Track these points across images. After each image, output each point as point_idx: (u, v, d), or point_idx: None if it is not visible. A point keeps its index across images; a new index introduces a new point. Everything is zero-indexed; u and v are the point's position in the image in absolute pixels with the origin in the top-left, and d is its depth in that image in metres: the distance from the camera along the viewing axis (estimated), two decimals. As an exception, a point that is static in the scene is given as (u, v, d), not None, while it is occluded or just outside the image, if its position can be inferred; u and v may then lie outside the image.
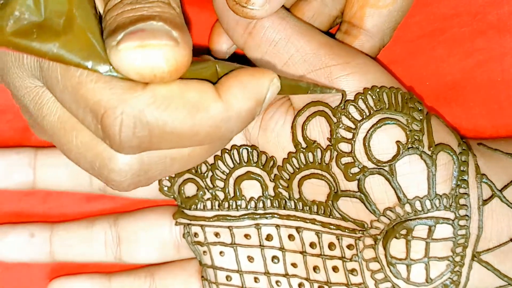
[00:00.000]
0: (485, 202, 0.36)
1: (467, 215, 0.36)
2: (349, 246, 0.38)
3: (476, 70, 0.42)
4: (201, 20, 0.43)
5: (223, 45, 0.41)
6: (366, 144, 0.35)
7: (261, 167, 0.39)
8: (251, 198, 0.39)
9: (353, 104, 0.35)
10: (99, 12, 0.31)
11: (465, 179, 0.36)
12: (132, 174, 0.32)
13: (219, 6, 0.37)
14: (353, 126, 0.35)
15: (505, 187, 0.37)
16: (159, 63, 0.27)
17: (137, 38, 0.27)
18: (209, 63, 0.31)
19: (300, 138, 0.37)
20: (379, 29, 0.38)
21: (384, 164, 0.35)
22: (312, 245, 0.39)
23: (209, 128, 0.29)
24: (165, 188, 0.41)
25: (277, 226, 0.39)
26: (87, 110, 0.29)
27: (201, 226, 0.40)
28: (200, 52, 0.43)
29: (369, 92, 0.35)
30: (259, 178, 0.39)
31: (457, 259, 0.36)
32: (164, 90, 0.28)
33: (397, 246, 0.37)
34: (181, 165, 0.33)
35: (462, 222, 0.36)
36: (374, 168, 0.36)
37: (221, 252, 0.40)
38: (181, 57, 0.27)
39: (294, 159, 0.37)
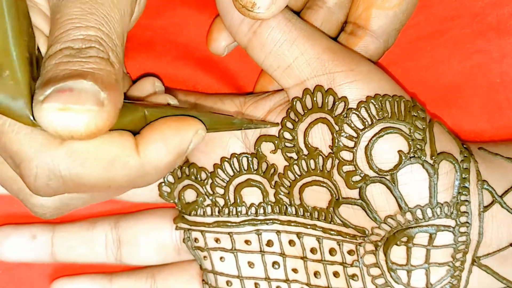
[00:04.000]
0: (486, 208, 0.36)
1: (468, 222, 0.35)
2: (350, 252, 0.37)
3: (475, 71, 0.41)
4: (201, 20, 0.42)
5: (222, 42, 0.40)
6: (368, 153, 0.34)
7: (262, 174, 0.38)
8: (252, 204, 0.38)
9: (355, 112, 0.34)
10: (39, 53, 0.31)
11: (466, 186, 0.35)
12: (53, 209, 0.33)
13: (222, 4, 0.35)
14: (355, 135, 0.34)
15: (506, 192, 0.36)
16: (78, 128, 0.27)
17: (61, 100, 0.27)
18: (138, 107, 0.31)
19: (302, 145, 0.36)
20: (385, 30, 0.38)
21: (385, 173, 0.34)
22: (312, 250, 0.38)
23: (123, 182, 0.30)
24: (165, 194, 0.40)
25: (278, 232, 0.38)
26: (7, 155, 0.30)
27: (201, 231, 0.39)
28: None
29: (372, 100, 0.34)
30: (260, 185, 0.38)
31: (457, 264, 0.36)
32: (81, 147, 0.29)
33: (397, 252, 0.36)
34: (101, 199, 0.34)
35: (462, 229, 0.35)
36: (375, 176, 0.35)
37: (221, 258, 0.40)
38: (102, 123, 0.27)
39: (295, 166, 0.36)
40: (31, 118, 0.28)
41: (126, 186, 0.31)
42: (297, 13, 0.40)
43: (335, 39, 0.39)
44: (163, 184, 0.40)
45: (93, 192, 0.32)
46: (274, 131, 0.37)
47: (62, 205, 0.33)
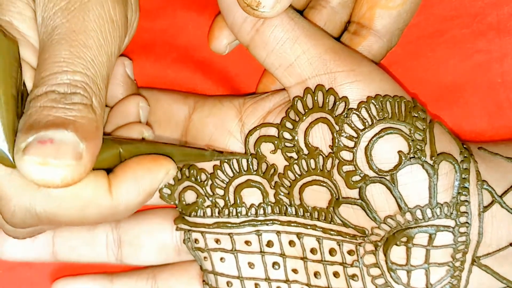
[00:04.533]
0: (486, 208, 0.35)
1: (468, 222, 0.35)
2: (350, 252, 0.37)
3: (475, 71, 0.41)
4: (201, 22, 0.42)
5: (223, 40, 0.39)
6: (368, 153, 0.34)
7: (261, 175, 0.38)
8: (252, 205, 0.38)
9: (356, 113, 0.34)
10: (24, 88, 0.32)
11: (466, 187, 0.35)
12: (27, 233, 0.35)
13: (225, 3, 0.35)
14: (355, 135, 0.34)
15: (505, 192, 0.36)
16: (54, 180, 0.28)
17: (41, 152, 0.28)
18: (114, 145, 0.32)
19: (302, 144, 0.36)
20: (388, 30, 0.37)
21: (385, 174, 0.34)
22: (312, 251, 0.38)
23: (95, 220, 0.32)
24: (166, 196, 0.40)
25: (278, 232, 0.38)
26: None
27: (202, 232, 0.39)
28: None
29: (373, 101, 0.34)
30: (259, 185, 0.38)
31: (457, 264, 0.36)
32: (57, 191, 0.30)
33: (397, 253, 0.36)
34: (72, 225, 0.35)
35: (462, 229, 0.35)
36: (375, 177, 0.35)
37: (221, 258, 0.39)
38: (78, 175, 0.29)
39: (295, 166, 0.36)
40: (12, 161, 0.29)
41: (98, 222, 0.32)
42: (300, 12, 0.39)
43: (338, 38, 0.39)
44: (163, 186, 0.40)
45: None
46: (273, 131, 0.37)
47: (36, 231, 0.35)
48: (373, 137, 0.34)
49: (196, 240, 0.40)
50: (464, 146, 0.37)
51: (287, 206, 0.38)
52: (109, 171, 0.32)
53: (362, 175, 0.35)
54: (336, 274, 0.38)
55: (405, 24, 0.38)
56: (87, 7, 0.31)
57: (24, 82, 0.32)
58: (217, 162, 0.38)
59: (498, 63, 0.41)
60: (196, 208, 0.39)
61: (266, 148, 0.37)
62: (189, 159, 0.36)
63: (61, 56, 0.30)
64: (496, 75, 0.41)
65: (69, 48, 0.30)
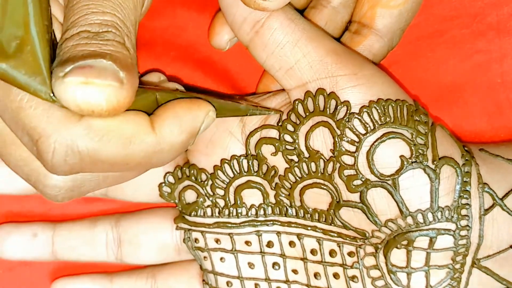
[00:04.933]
0: (487, 211, 0.35)
1: (469, 225, 0.35)
2: (350, 254, 0.37)
3: (475, 71, 0.41)
4: (201, 21, 0.41)
5: (225, 35, 0.39)
6: (370, 158, 0.34)
7: (262, 176, 0.37)
8: (252, 206, 0.38)
9: (358, 117, 0.34)
10: (55, 37, 0.31)
11: (467, 190, 0.35)
12: (65, 190, 0.32)
13: (225, 1, 0.35)
14: (356, 140, 0.34)
15: (506, 195, 0.36)
16: (100, 102, 0.27)
17: (83, 74, 0.27)
18: (150, 92, 0.32)
19: (303, 148, 0.36)
20: (389, 29, 0.37)
21: (387, 178, 0.34)
22: (313, 252, 0.38)
23: (140, 159, 0.30)
24: (166, 194, 0.40)
25: (278, 233, 0.38)
26: (24, 132, 0.29)
27: (202, 232, 0.39)
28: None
29: (375, 105, 0.34)
30: (260, 186, 0.38)
31: (457, 266, 0.36)
32: (99, 123, 0.29)
33: (397, 255, 0.36)
34: (114, 182, 0.34)
35: (463, 232, 0.35)
36: (377, 181, 0.34)
37: (221, 258, 0.39)
38: (122, 99, 0.27)
39: (296, 169, 0.36)
40: (51, 94, 0.28)
41: (143, 164, 0.31)
42: (301, 12, 0.39)
43: (339, 38, 0.39)
44: (163, 184, 0.40)
45: (109, 172, 0.31)
46: (274, 133, 0.36)
47: (75, 187, 0.32)
48: (375, 142, 0.34)
49: (196, 240, 0.40)
50: (466, 148, 0.37)
51: (288, 207, 0.37)
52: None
53: (363, 179, 0.34)
54: (336, 275, 0.37)
55: (406, 24, 0.38)
56: None
57: (54, 34, 0.31)
58: (218, 162, 0.38)
59: (498, 63, 0.41)
60: (196, 207, 0.39)
61: (267, 150, 0.37)
62: (224, 112, 0.35)
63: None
64: (496, 76, 0.41)
65: None
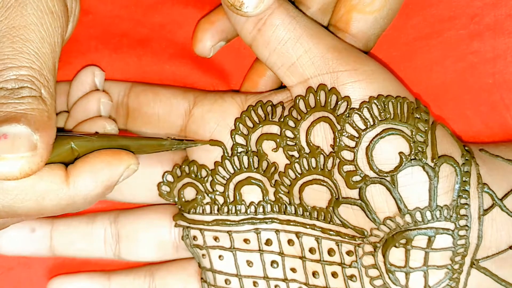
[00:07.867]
0: (486, 211, 0.35)
1: (467, 225, 0.35)
2: (349, 253, 0.36)
3: (471, 72, 0.41)
4: (199, 18, 0.41)
5: (207, 42, 0.39)
6: (369, 153, 0.34)
7: (262, 172, 0.37)
8: (251, 203, 0.38)
9: (358, 112, 0.34)
10: None
11: (466, 190, 0.35)
12: None
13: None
14: (356, 135, 0.34)
15: (506, 195, 0.35)
16: (13, 173, 0.29)
17: None
18: (65, 140, 0.33)
19: (303, 143, 0.35)
20: (364, 34, 0.37)
21: (385, 174, 0.34)
22: (311, 250, 0.37)
23: (54, 211, 0.32)
24: (165, 193, 0.40)
25: (277, 231, 0.38)
26: None
27: (200, 229, 0.39)
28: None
29: (375, 101, 0.34)
30: (260, 183, 0.37)
31: (456, 267, 0.35)
32: (13, 184, 0.30)
33: (396, 254, 0.35)
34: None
35: (462, 232, 0.35)
36: (375, 177, 0.34)
37: (220, 256, 0.39)
38: (35, 165, 0.29)
39: (296, 165, 0.36)
40: None
41: (57, 212, 0.32)
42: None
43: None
44: (162, 184, 0.40)
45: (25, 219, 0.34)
46: (275, 129, 0.36)
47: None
48: (374, 138, 0.34)
49: (194, 237, 0.39)
50: (466, 148, 0.36)
51: (287, 205, 0.37)
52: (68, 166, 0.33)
53: (362, 175, 0.34)
54: (334, 274, 0.37)
55: (381, 30, 0.38)
56: (24, 1, 0.31)
57: None
58: (218, 158, 0.38)
59: (494, 64, 0.40)
60: (195, 205, 0.39)
61: (267, 146, 0.36)
62: (146, 150, 0.36)
63: (4, 53, 0.30)
64: (492, 76, 0.40)
65: (11, 45, 0.30)
